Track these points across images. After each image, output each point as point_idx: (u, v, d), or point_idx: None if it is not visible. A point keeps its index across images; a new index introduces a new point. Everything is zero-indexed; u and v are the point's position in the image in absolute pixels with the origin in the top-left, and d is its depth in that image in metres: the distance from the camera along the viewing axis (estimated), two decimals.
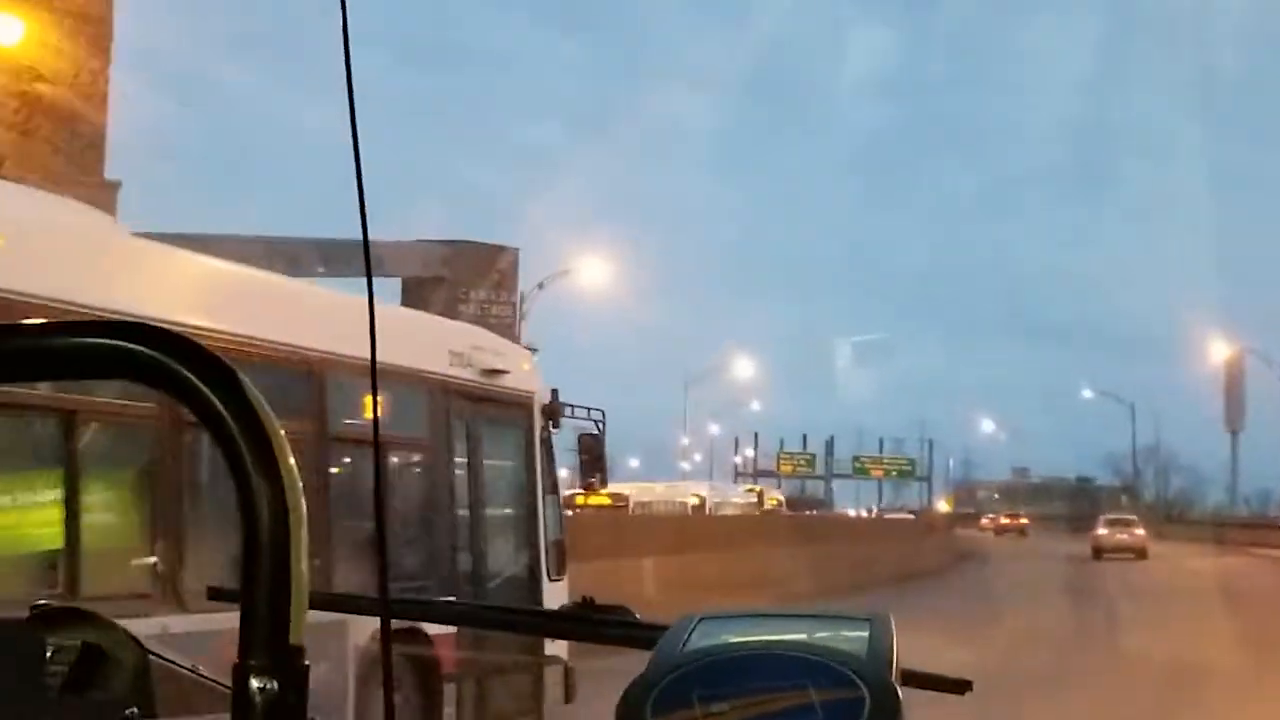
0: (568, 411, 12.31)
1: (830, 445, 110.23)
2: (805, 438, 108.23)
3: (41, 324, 1.11)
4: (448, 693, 9.90)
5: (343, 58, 1.40)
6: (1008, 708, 11.84)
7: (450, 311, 53.79)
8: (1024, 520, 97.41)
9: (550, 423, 11.88)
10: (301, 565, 1.02)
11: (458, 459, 10.77)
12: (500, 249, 67.28)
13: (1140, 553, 52.61)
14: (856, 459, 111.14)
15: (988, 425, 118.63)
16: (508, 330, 62.76)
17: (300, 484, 1.04)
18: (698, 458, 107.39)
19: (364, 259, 1.52)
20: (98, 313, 7.16)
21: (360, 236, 1.48)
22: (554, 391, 12.05)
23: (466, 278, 65.59)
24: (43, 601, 1.91)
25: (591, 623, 2.22)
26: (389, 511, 9.02)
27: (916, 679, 1.97)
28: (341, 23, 1.38)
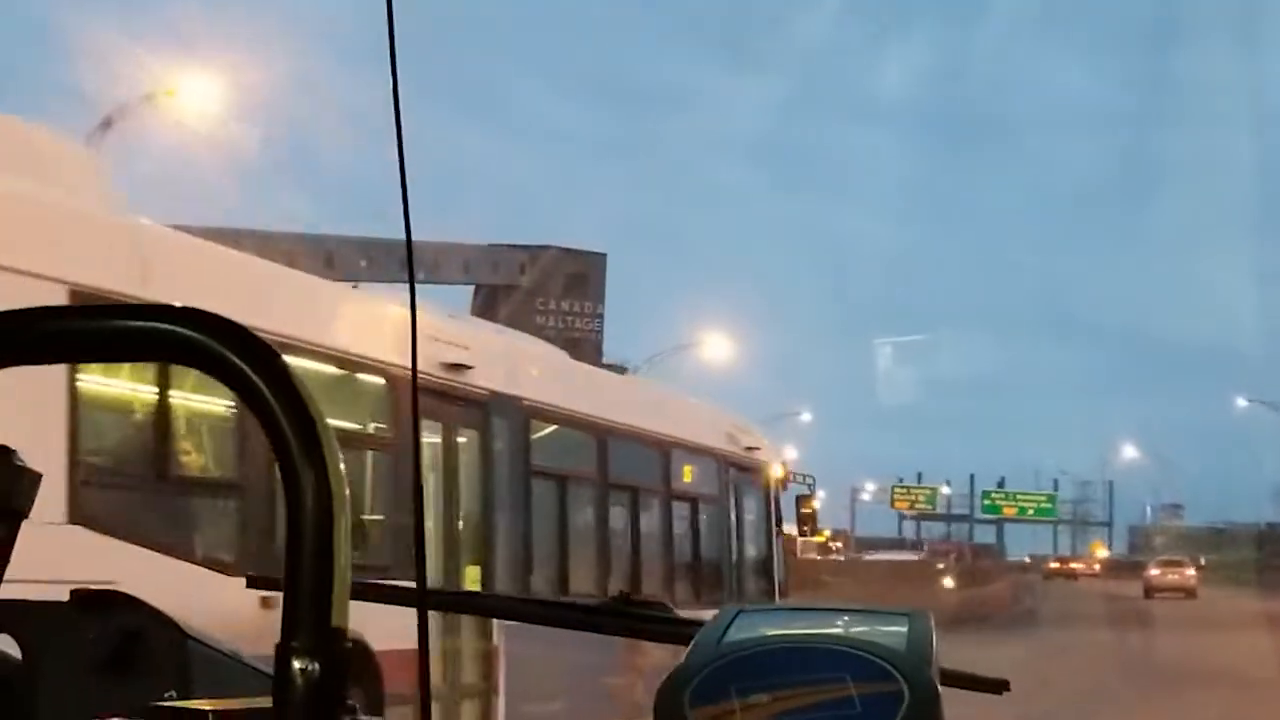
0: (793, 477, 17.39)
1: (972, 483, 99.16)
2: (920, 475, 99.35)
3: (90, 307, 1.13)
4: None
5: (388, 58, 1.41)
6: None
7: (526, 322, 51.46)
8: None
9: (780, 484, 16.40)
10: (344, 549, 1.04)
11: (730, 508, 15.16)
12: (585, 255, 63.14)
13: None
14: (987, 495, 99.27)
15: (1133, 457, 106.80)
16: (592, 344, 60.31)
17: (343, 470, 1.05)
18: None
19: (408, 269, 1.52)
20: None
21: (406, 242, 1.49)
22: (784, 464, 17.25)
23: (547, 286, 61.48)
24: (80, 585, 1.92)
25: (630, 617, 2.22)
26: (684, 539, 14.33)
27: (955, 677, 1.96)
28: (387, 20, 1.39)
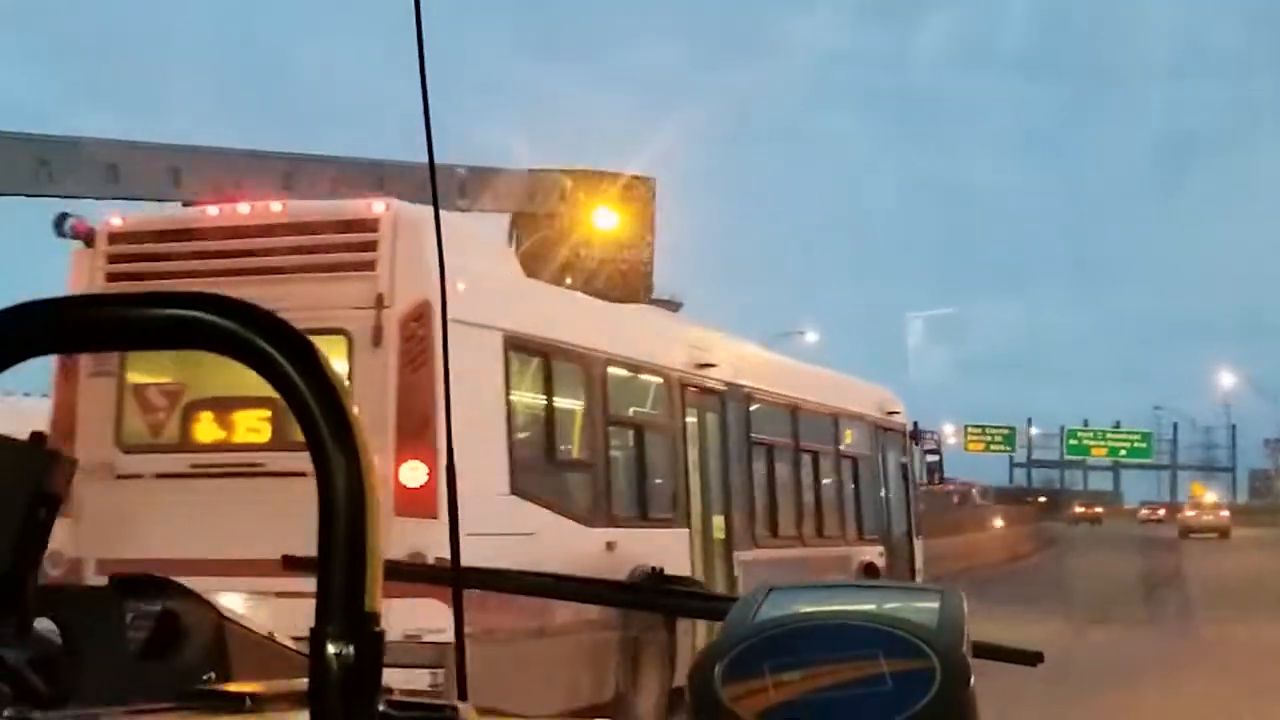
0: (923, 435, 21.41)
1: (1063, 434, 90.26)
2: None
3: (123, 295, 1.14)
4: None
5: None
6: None
7: (569, 254, 49.35)
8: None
9: (913, 441, 20.30)
10: (376, 534, 1.05)
11: (879, 463, 18.78)
12: (633, 180, 57.99)
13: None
14: (1073, 434, 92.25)
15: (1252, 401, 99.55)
16: (641, 276, 57.30)
17: (373, 455, 1.06)
18: None
19: (433, 197, 1.53)
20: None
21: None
22: (915, 423, 20.67)
23: (590, 213, 56.69)
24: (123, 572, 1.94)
25: (663, 594, 2.24)
26: (873, 493, 18.34)
27: (988, 651, 1.97)
28: None
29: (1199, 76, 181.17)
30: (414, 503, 9.79)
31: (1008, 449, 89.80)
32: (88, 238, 11.13)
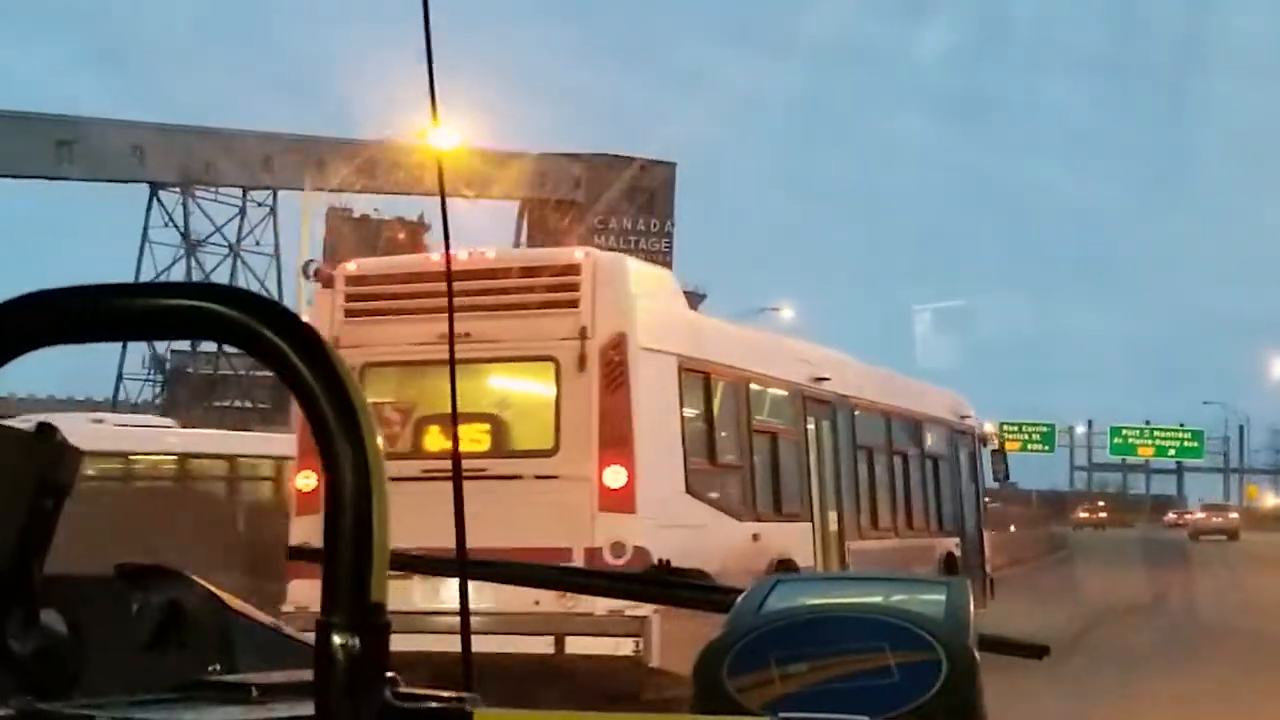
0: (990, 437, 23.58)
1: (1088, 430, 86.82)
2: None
3: (132, 285, 1.14)
4: None
5: None
6: None
7: (584, 241, 47.99)
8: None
9: (981, 441, 22.17)
10: (383, 524, 1.04)
11: (956, 463, 20.78)
12: (649, 165, 55.84)
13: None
14: (1116, 432, 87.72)
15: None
16: (661, 266, 55.03)
17: (381, 446, 1.06)
18: None
19: (439, 186, 1.53)
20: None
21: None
22: (983, 424, 22.94)
23: (607, 200, 54.43)
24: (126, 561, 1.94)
25: (669, 585, 2.23)
26: (940, 489, 19.76)
27: (994, 643, 1.97)
28: None
29: (1272, 76, 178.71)
30: (615, 501, 12.13)
31: (1045, 448, 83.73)
32: (328, 281, 13.20)
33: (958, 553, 19.69)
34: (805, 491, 15.56)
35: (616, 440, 12.22)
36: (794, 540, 14.72)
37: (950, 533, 19.85)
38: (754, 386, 14.86)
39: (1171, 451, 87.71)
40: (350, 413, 1.06)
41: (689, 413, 13.55)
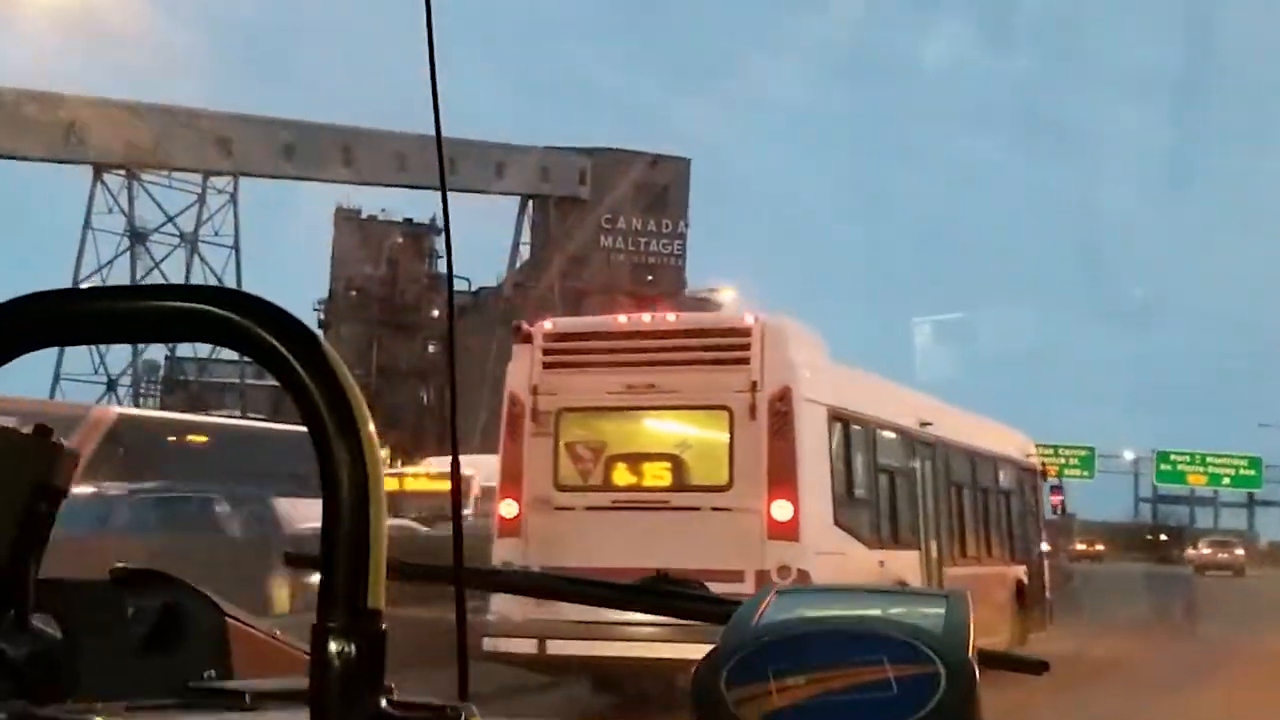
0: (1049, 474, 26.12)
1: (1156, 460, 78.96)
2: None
3: (127, 287, 1.13)
4: None
5: None
6: None
7: (590, 242, 45.98)
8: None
9: (1042, 478, 24.54)
10: (380, 530, 1.04)
11: (1020, 496, 22.99)
12: (664, 161, 52.67)
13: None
14: (1164, 457, 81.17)
15: None
16: (672, 270, 50.48)
17: (379, 450, 1.06)
18: None
19: (440, 177, 1.53)
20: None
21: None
22: (1044, 462, 25.42)
23: (616, 198, 51.90)
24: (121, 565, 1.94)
25: (666, 596, 2.23)
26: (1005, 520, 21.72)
27: (994, 658, 1.96)
28: None
29: None
30: (782, 530, 14.32)
31: (1084, 474, 77.30)
32: (527, 338, 15.33)
33: (1026, 580, 21.94)
34: (915, 523, 17.85)
35: (783, 479, 14.47)
36: (909, 566, 16.94)
37: (1020, 561, 22.06)
38: (879, 431, 17.12)
39: (1226, 480, 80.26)
40: (348, 416, 1.06)
41: (834, 454, 15.78)
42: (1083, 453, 77.52)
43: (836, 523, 15.33)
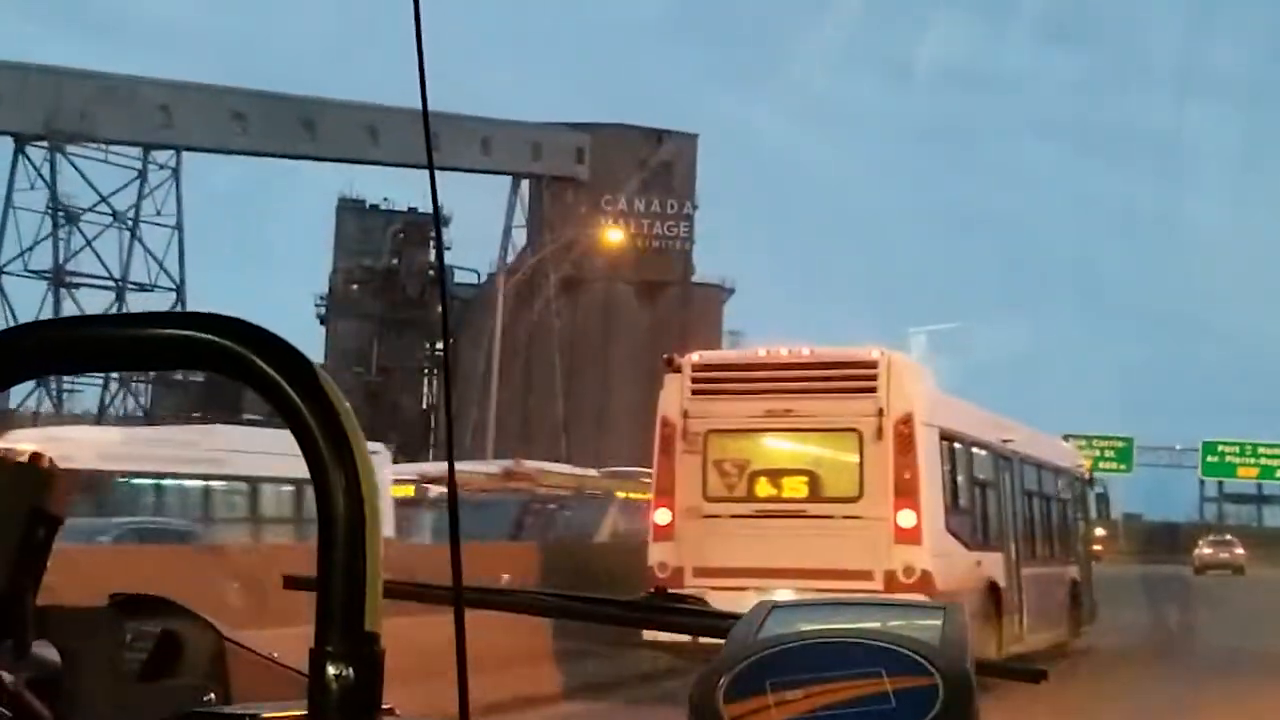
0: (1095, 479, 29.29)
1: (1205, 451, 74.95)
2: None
3: (124, 315, 1.14)
4: None
5: None
6: None
7: (589, 221, 43.55)
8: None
9: (1088, 483, 27.27)
10: (376, 553, 1.04)
11: (1075, 502, 25.74)
12: (668, 136, 49.22)
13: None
14: (1210, 449, 76.40)
15: None
16: (679, 255, 46.84)
17: (375, 474, 1.06)
18: None
19: (429, 162, 1.53)
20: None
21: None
22: (1090, 469, 29.09)
23: (613, 176, 48.60)
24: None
25: (665, 611, 2.23)
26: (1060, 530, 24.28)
27: (991, 668, 1.97)
28: None
29: None
30: (907, 536, 16.70)
31: (1122, 467, 71.79)
32: (677, 368, 17.58)
33: (1079, 579, 24.62)
34: (1000, 528, 20.43)
35: (907, 491, 16.86)
36: (997, 566, 19.38)
37: (1073, 562, 24.78)
38: (974, 449, 19.80)
39: (1279, 473, 76.35)
40: (343, 441, 1.06)
41: (944, 470, 18.29)
42: (1119, 444, 72.63)
43: (947, 529, 17.80)
